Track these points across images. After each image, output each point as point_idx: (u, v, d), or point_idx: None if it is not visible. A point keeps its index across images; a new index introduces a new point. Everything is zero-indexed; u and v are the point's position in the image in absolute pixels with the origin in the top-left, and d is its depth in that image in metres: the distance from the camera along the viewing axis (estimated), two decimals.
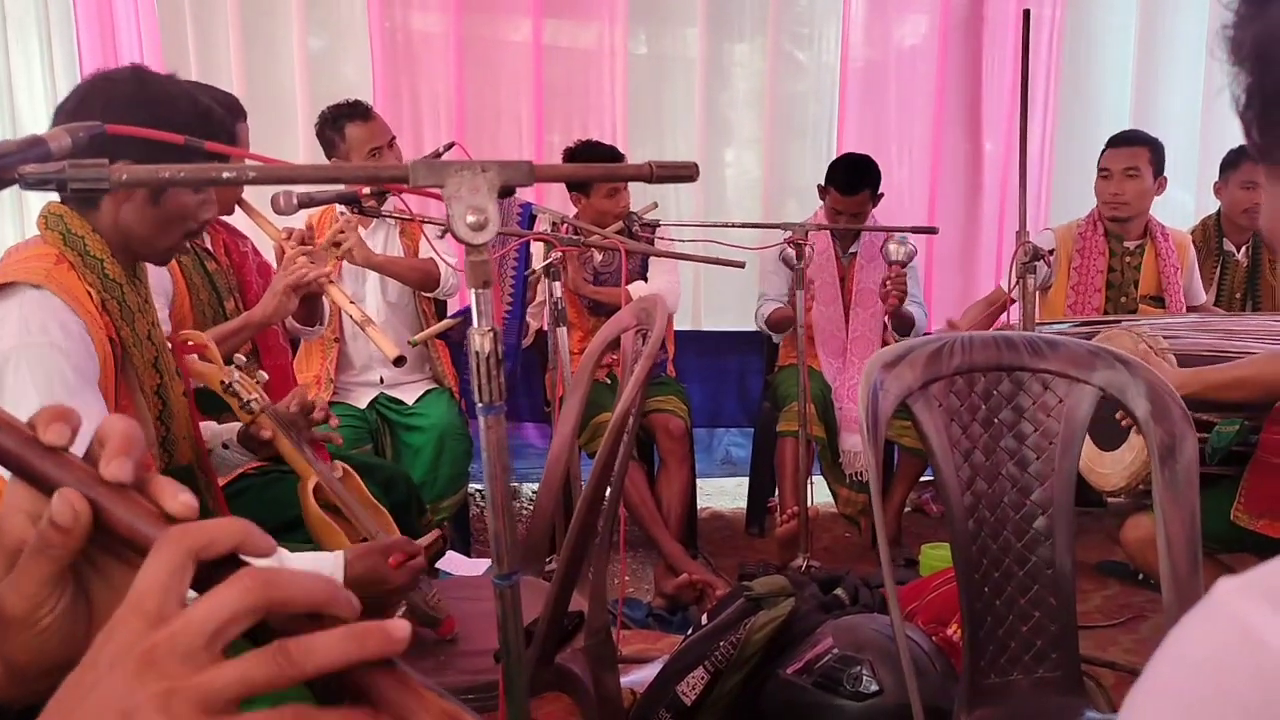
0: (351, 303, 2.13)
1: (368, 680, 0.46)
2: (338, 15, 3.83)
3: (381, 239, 3.08)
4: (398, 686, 0.46)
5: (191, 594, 0.47)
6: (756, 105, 4.26)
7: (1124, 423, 2.13)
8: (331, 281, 2.13)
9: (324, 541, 1.61)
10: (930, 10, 4.25)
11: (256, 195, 2.31)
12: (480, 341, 0.92)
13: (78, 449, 0.54)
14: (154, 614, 0.45)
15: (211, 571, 0.47)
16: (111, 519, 0.51)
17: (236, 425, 1.80)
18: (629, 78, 4.00)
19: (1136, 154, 3.34)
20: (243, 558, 0.49)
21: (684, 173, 0.98)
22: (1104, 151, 3.42)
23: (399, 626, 0.46)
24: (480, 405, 0.94)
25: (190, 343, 1.70)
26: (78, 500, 0.50)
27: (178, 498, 0.52)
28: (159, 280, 1.93)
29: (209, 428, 1.83)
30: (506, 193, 0.91)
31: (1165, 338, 2.31)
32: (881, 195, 3.57)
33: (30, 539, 0.51)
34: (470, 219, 0.86)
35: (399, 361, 2.03)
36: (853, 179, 3.47)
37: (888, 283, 3.29)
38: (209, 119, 1.51)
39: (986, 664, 1.44)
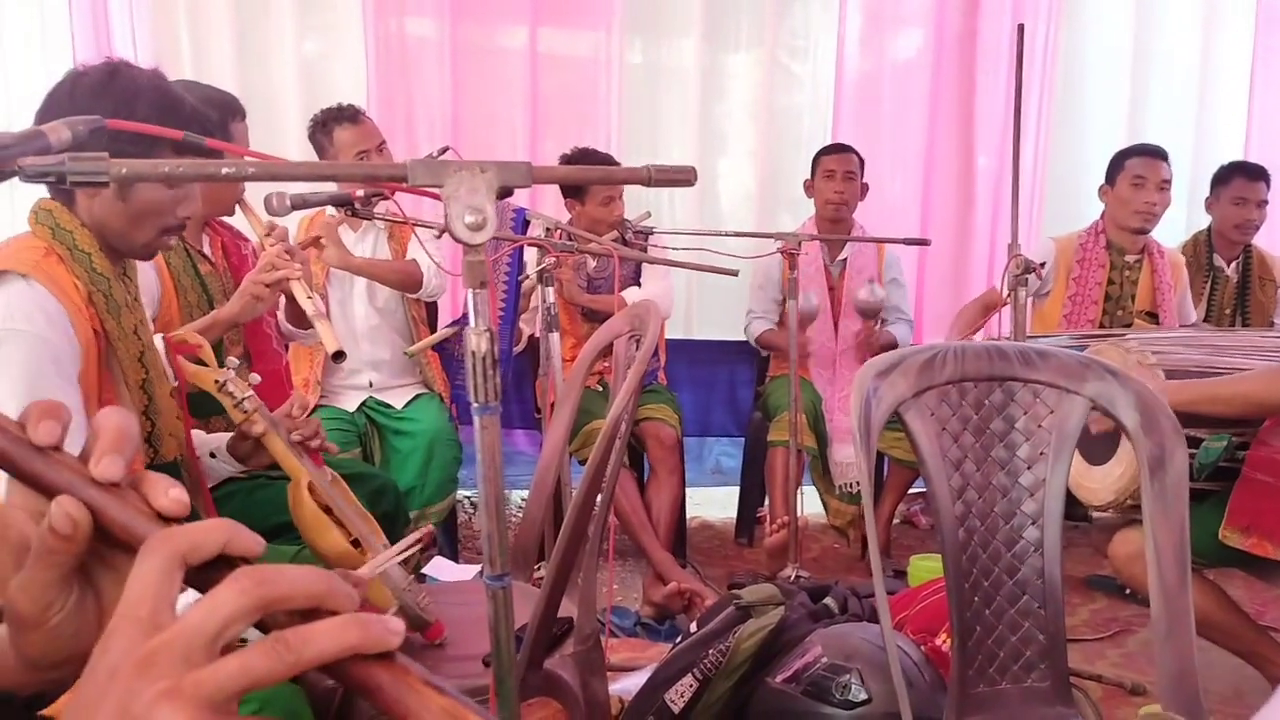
0: (309, 297, 2.08)
1: (367, 673, 0.46)
2: (333, 19, 3.82)
3: (370, 244, 3.07)
4: (397, 681, 0.46)
5: (191, 595, 0.47)
6: (752, 117, 4.28)
7: (1094, 428, 2.14)
8: (297, 277, 2.09)
9: (316, 539, 1.60)
10: (925, 24, 4.28)
11: (252, 196, 2.29)
12: (476, 341, 0.92)
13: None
14: (147, 621, 0.44)
15: (201, 572, 0.47)
16: (105, 520, 0.51)
17: (225, 435, 1.79)
18: (624, 87, 4.01)
19: (1167, 170, 3.36)
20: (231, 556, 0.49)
21: (681, 177, 0.98)
22: (1131, 158, 3.38)
23: (397, 621, 0.46)
24: (475, 405, 0.94)
25: (186, 343, 1.70)
26: (75, 508, 0.50)
27: (168, 493, 0.52)
28: (145, 282, 1.92)
29: (197, 436, 1.82)
30: (504, 193, 0.92)
31: (1154, 353, 2.32)
32: (867, 186, 3.66)
33: (33, 535, 0.51)
34: (468, 219, 0.86)
35: (338, 356, 2.01)
36: (839, 146, 3.67)
37: (858, 336, 3.56)
38: (178, 111, 1.50)
39: (975, 673, 1.44)
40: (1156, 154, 3.38)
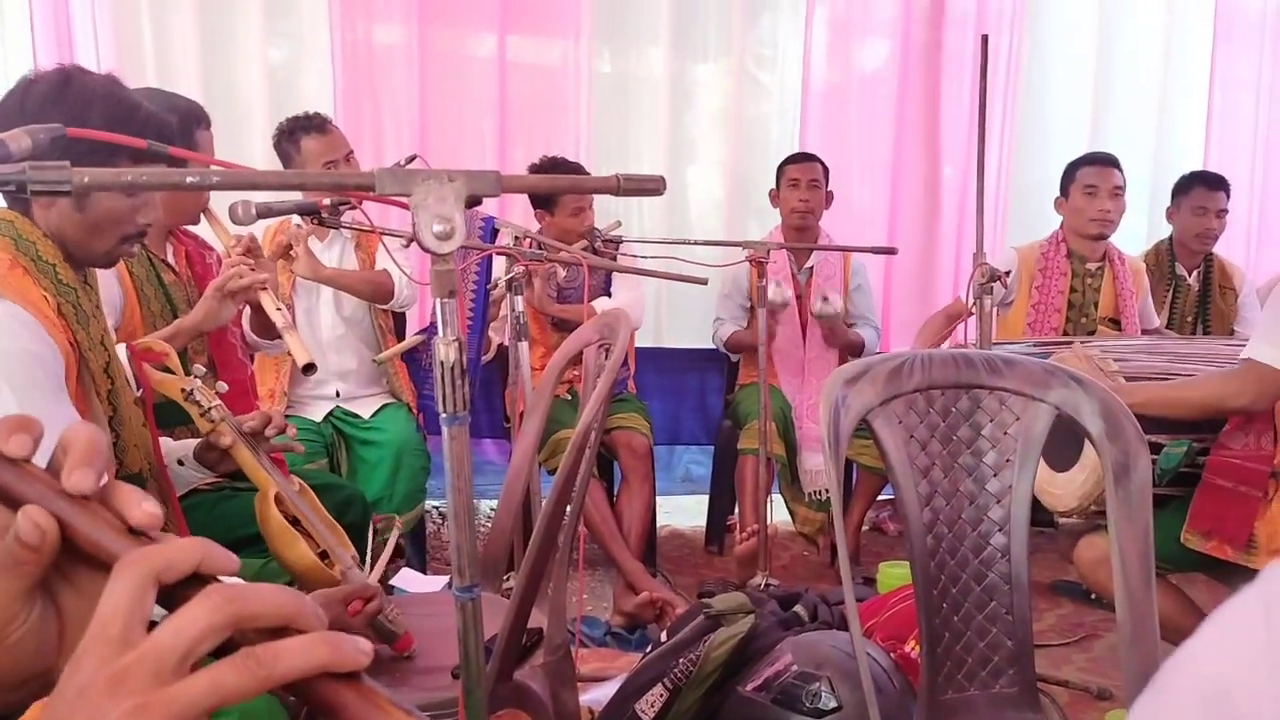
0: (277, 309, 2.07)
1: (334, 693, 0.45)
2: (299, 26, 3.79)
3: (337, 253, 3.05)
4: (364, 702, 0.46)
5: (160, 611, 0.46)
6: (720, 126, 4.29)
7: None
8: (264, 288, 2.07)
9: (284, 551, 1.59)
10: (891, 35, 4.32)
11: (217, 205, 2.26)
12: (445, 351, 0.92)
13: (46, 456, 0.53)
14: (119, 640, 0.44)
15: (175, 590, 0.47)
16: (74, 533, 0.50)
17: (193, 442, 1.77)
18: (593, 96, 4.01)
19: (1119, 176, 3.39)
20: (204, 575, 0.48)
21: (651, 186, 0.98)
22: (1082, 168, 3.41)
23: (366, 641, 0.46)
24: (444, 415, 0.93)
25: (152, 350, 1.68)
26: (43, 518, 0.49)
27: (141, 507, 0.51)
28: (107, 290, 1.89)
29: (164, 443, 1.80)
30: (473, 202, 0.91)
31: (1115, 360, 2.35)
32: (831, 194, 3.68)
33: None
34: (436, 228, 0.86)
35: (309, 369, 1.99)
36: (802, 155, 3.70)
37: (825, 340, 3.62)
38: (134, 118, 1.48)
39: (944, 680, 1.45)
40: (1107, 161, 3.41)
